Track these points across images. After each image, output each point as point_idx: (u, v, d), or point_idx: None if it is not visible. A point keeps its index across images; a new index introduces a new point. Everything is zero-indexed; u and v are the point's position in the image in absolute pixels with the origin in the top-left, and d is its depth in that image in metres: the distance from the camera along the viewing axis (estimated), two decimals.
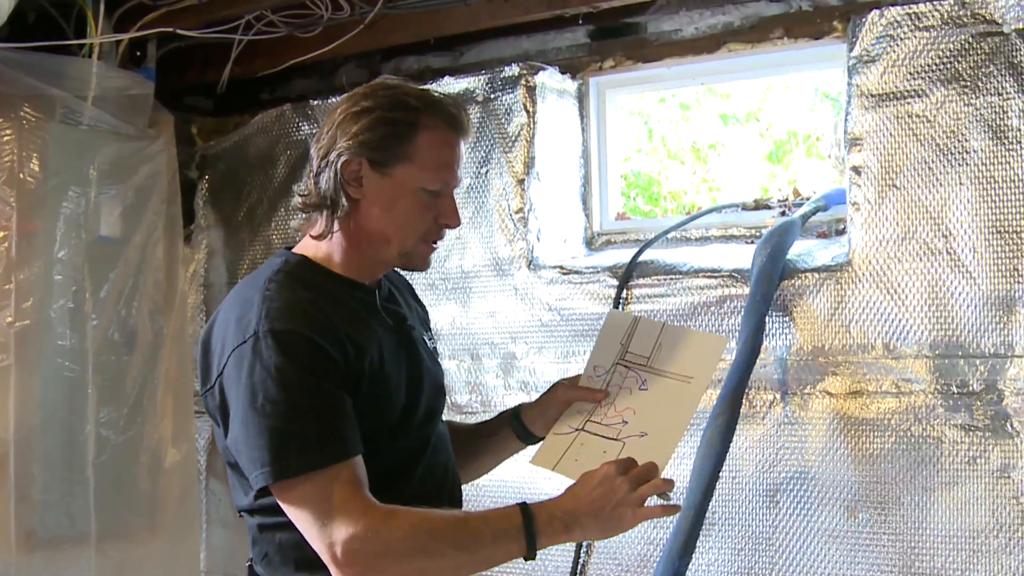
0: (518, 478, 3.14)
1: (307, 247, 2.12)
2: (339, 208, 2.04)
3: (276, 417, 1.88)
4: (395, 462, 2.09)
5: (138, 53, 3.90)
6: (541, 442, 2.32)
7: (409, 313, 2.25)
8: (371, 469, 1.95)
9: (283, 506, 1.93)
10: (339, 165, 2.02)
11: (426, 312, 2.42)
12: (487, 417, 2.51)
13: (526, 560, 1.94)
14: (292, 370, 1.90)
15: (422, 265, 2.15)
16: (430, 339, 2.32)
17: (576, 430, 2.26)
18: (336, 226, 2.06)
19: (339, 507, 1.87)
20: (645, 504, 2.00)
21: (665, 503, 2.09)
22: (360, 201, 2.05)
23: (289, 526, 1.97)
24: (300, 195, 2.12)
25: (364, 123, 2.02)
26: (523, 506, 1.95)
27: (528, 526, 1.92)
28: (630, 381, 2.28)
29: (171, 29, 3.63)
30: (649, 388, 2.26)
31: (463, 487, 2.31)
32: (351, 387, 1.96)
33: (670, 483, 2.05)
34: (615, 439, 2.21)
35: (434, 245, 2.13)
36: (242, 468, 1.96)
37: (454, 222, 2.10)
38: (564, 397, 2.31)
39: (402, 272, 2.33)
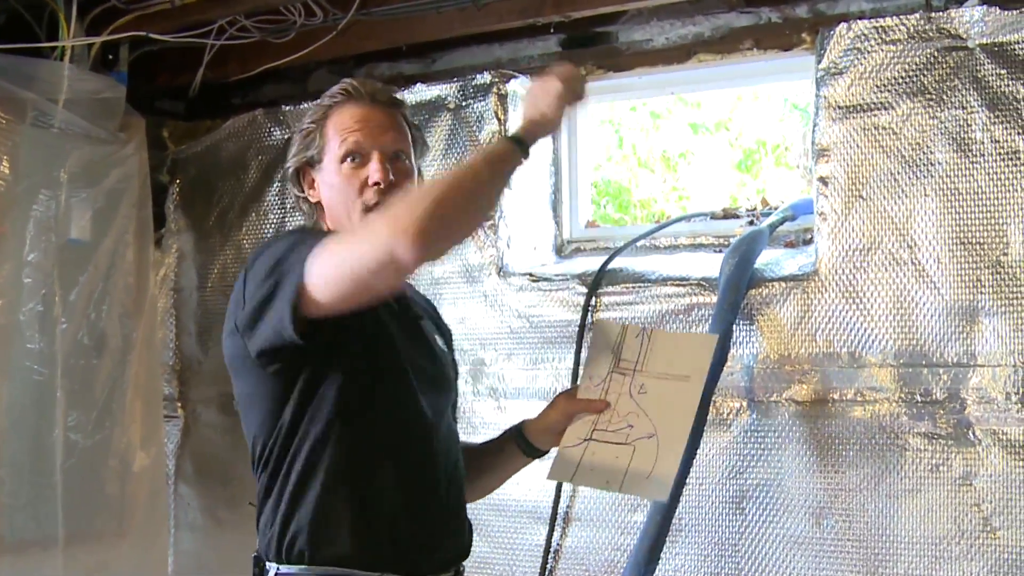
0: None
1: None
2: (308, 215, 2.31)
3: (289, 248, 2.03)
4: (403, 437, 2.14)
5: (110, 56, 3.88)
6: (553, 457, 2.36)
7: (425, 316, 2.35)
8: (374, 439, 2.10)
9: (325, 281, 1.94)
10: (293, 180, 2.31)
11: (450, 336, 2.51)
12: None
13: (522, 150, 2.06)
14: (309, 234, 2.11)
15: None
16: (446, 345, 2.39)
17: (585, 440, 2.30)
18: (326, 227, 2.25)
19: (365, 227, 2.06)
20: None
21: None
22: (320, 201, 2.27)
23: (335, 478, 2.09)
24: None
25: (295, 140, 2.29)
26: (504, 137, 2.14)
27: (514, 138, 2.07)
28: (628, 387, 2.32)
29: (143, 33, 3.63)
30: (648, 392, 2.30)
31: (474, 503, 2.40)
32: None
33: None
34: (625, 443, 2.26)
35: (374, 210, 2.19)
36: (265, 321, 2.03)
37: (374, 176, 2.18)
38: (566, 410, 2.35)
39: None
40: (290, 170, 2.29)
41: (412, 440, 2.15)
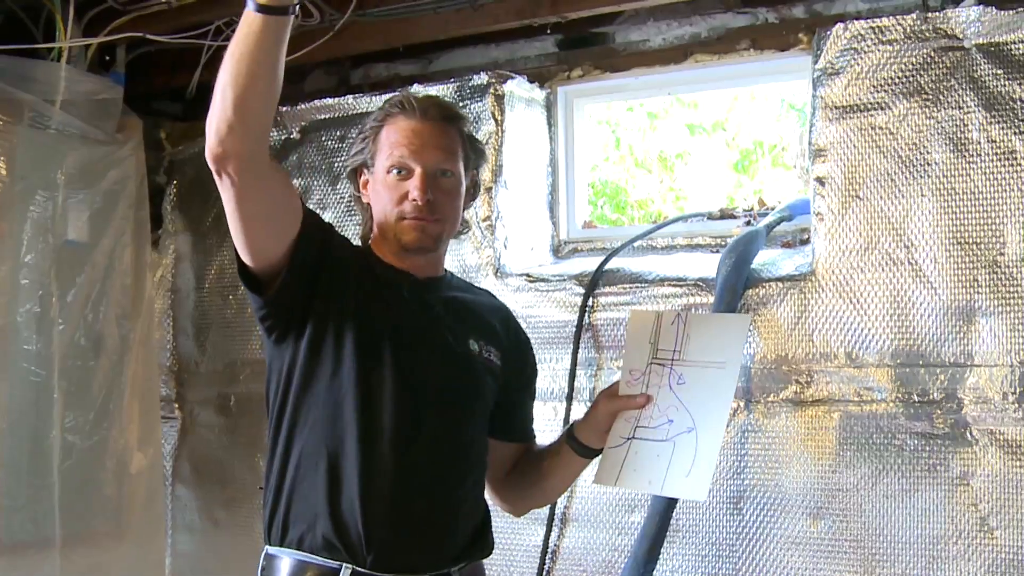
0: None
1: None
2: (365, 211, 2.37)
3: None
4: (369, 434, 2.15)
5: (107, 57, 3.89)
6: (599, 459, 2.35)
7: (453, 316, 2.34)
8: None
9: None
10: (349, 178, 2.40)
11: (512, 345, 2.50)
12: None
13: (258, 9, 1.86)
14: None
15: (413, 242, 2.28)
16: (487, 351, 2.37)
17: (627, 439, 2.28)
18: (374, 227, 2.35)
19: None
20: None
21: None
22: (370, 202, 2.34)
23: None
24: None
25: (355, 142, 2.37)
26: None
27: None
28: (667, 378, 2.29)
29: (141, 34, 3.63)
30: (686, 382, 2.27)
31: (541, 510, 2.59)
32: (334, 250, 2.21)
33: None
34: (665, 440, 2.24)
35: (411, 222, 2.26)
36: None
37: (413, 194, 2.25)
38: (608, 409, 2.33)
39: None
40: (347, 169, 2.40)
41: (379, 438, 2.16)
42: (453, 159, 2.31)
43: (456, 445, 2.28)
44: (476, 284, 3.45)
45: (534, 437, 2.54)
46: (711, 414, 2.23)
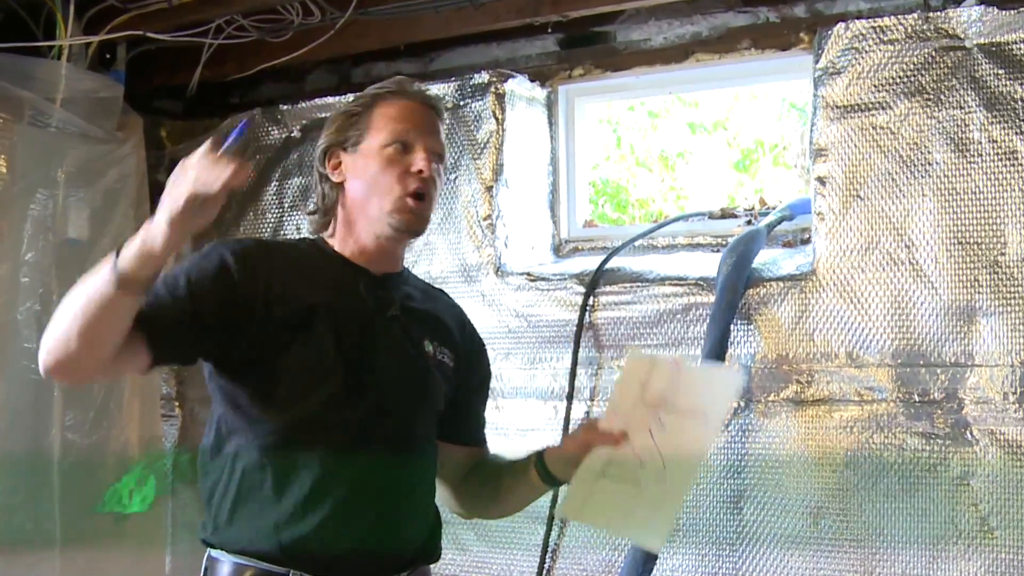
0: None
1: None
2: (326, 196, 2.25)
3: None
4: (304, 438, 2.11)
5: (107, 55, 3.88)
6: (567, 488, 2.28)
7: (409, 315, 2.27)
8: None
9: None
10: (319, 159, 2.27)
11: (466, 345, 2.44)
12: None
13: (118, 286, 1.87)
14: (191, 263, 2.21)
15: (413, 221, 2.20)
16: (441, 352, 2.32)
17: (598, 476, 2.22)
18: (338, 213, 2.25)
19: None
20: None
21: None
22: (344, 183, 2.24)
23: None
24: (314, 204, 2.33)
25: (332, 121, 2.29)
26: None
27: (117, 251, 1.90)
28: (648, 422, 2.21)
29: (141, 32, 3.63)
30: (666, 429, 2.19)
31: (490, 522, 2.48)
32: (238, 298, 2.11)
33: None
34: (633, 484, 2.18)
35: (415, 201, 2.19)
36: None
37: (419, 164, 2.18)
38: (585, 440, 2.24)
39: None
40: (320, 148, 2.27)
41: (329, 449, 2.11)
42: (444, 152, 2.28)
43: (407, 451, 2.23)
44: (476, 283, 3.48)
45: (485, 443, 2.47)
46: (683, 466, 2.17)
